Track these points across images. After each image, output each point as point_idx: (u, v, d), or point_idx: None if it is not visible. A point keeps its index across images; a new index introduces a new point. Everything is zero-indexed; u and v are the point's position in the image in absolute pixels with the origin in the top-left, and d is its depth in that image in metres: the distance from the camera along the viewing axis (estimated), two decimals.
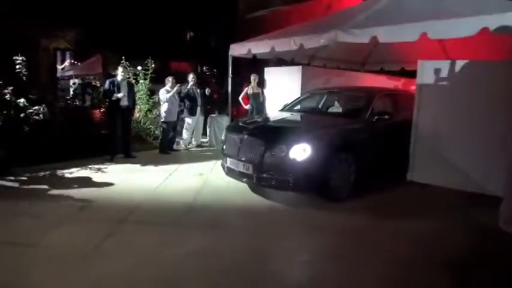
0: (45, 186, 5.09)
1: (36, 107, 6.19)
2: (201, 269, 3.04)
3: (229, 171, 5.10)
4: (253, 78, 8.36)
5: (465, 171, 4.94)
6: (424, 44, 5.67)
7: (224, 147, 5.30)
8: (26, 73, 6.50)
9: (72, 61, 17.43)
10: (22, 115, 6.06)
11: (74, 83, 11.23)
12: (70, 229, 3.75)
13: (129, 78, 7.54)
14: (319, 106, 6.38)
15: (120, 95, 6.71)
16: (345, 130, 5.13)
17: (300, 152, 4.39)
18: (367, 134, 5.18)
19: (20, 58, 6.46)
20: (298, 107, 6.33)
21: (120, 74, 6.87)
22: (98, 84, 9.01)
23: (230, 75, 7.78)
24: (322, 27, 5.84)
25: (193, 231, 3.80)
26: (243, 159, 4.78)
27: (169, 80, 7.66)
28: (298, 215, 4.42)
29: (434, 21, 4.57)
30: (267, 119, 5.83)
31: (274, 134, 4.79)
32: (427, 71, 5.30)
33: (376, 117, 5.24)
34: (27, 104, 6.12)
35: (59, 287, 2.75)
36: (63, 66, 17.61)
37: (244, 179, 4.86)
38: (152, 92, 9.08)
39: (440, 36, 4.79)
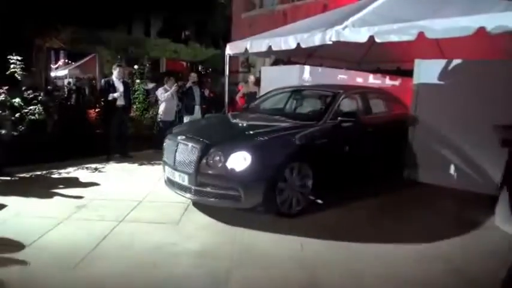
0: (41, 186, 5.04)
1: (31, 107, 6.14)
2: (194, 268, 3.02)
3: (168, 182, 4.45)
4: (251, 78, 8.36)
5: (462, 170, 4.98)
6: (420, 43, 5.68)
7: (164, 153, 4.65)
8: (21, 73, 6.44)
9: (66, 60, 17.33)
10: (17, 115, 6.01)
11: (68, 83, 11.17)
12: (67, 229, 3.72)
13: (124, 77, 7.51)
14: (279, 107, 5.82)
15: (116, 95, 6.67)
16: (298, 135, 4.30)
17: (240, 161, 3.75)
18: (330, 139, 4.57)
19: (15, 58, 6.40)
20: (260, 107, 5.86)
21: (116, 73, 6.85)
22: (95, 84, 8.98)
23: (227, 74, 7.76)
24: (319, 25, 5.83)
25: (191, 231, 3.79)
26: (178, 168, 4.16)
27: (169, 80, 7.66)
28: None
29: (431, 20, 4.58)
30: (211, 121, 5.26)
31: (211, 140, 4.08)
32: (423, 70, 5.33)
33: (340, 119, 4.66)
34: (22, 104, 6.07)
35: None
36: (57, 65, 17.51)
37: (181, 191, 4.15)
38: (148, 92, 9.06)
39: (438, 35, 4.79)
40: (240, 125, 4.99)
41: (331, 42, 5.42)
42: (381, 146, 5.30)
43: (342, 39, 5.24)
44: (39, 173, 5.72)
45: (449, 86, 5.13)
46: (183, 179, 4.04)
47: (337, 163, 4.68)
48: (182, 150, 4.15)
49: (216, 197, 3.86)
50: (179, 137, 4.32)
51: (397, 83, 9.25)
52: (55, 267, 2.98)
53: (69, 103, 8.69)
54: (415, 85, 5.43)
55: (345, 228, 3.99)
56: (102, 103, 7.37)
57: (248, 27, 13.14)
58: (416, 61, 5.40)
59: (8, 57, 6.40)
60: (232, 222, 3.96)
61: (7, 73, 6.36)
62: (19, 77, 6.43)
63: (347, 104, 5.16)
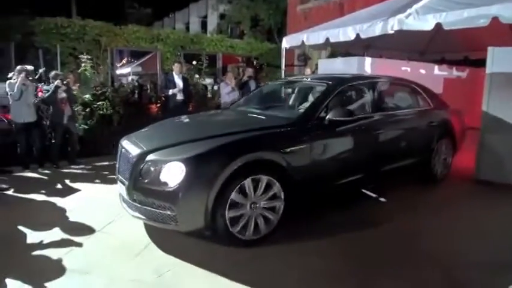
0: (111, 175, 5.31)
1: (100, 103, 6.57)
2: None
3: (120, 194, 3.61)
4: (307, 71, 8.29)
5: None
6: (492, 29, 5.21)
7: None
8: (90, 70, 6.92)
9: (130, 59, 18.30)
10: (88, 110, 6.47)
11: (132, 80, 11.79)
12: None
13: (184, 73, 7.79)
14: (263, 103, 4.80)
15: (175, 90, 6.93)
16: (263, 141, 3.34)
17: (174, 173, 2.94)
18: (314, 146, 3.52)
19: (85, 57, 6.88)
20: (249, 102, 4.99)
21: (175, 69, 7.11)
22: (156, 80, 9.40)
23: (283, 67, 7.74)
24: (380, 14, 5.59)
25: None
26: (119, 178, 3.48)
27: (231, 71, 7.82)
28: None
29: (506, 3, 4.18)
30: (179, 122, 4.38)
31: (151, 145, 3.33)
32: (498, 59, 4.88)
33: (330, 119, 3.63)
34: (92, 100, 6.52)
35: None
36: (121, 64, 18.55)
37: (125, 206, 3.38)
38: (206, 87, 9.31)
39: None
40: (199, 127, 4.08)
41: (393, 32, 5.19)
42: (397, 152, 4.42)
43: (405, 28, 4.99)
44: (106, 163, 6.08)
45: None
46: (123, 192, 3.33)
47: (326, 177, 3.71)
48: (123, 156, 3.51)
49: (151, 217, 3.09)
50: (124, 141, 3.69)
51: (464, 74, 8.65)
52: (122, 253, 3.12)
53: (132, 99, 9.21)
54: (487, 76, 4.99)
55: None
56: (163, 98, 7.69)
57: (304, 20, 12.97)
58: (490, 49, 4.95)
59: (80, 56, 6.89)
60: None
61: (79, 71, 6.86)
62: (89, 75, 6.90)
63: (348, 99, 4.37)
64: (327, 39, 6.26)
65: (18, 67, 5.43)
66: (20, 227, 3.57)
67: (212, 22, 24.38)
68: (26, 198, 4.45)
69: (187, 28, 27.20)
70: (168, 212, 2.95)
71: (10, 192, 4.62)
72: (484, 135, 5.06)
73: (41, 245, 3.21)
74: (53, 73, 5.82)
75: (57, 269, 2.82)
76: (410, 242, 3.38)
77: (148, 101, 8.73)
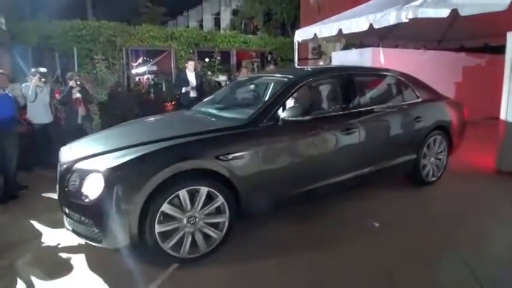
0: None
1: (115, 102, 6.67)
2: None
3: None
4: (321, 64, 8.19)
5: None
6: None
7: None
8: (105, 71, 7.02)
9: (145, 58, 18.53)
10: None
11: (147, 79, 11.94)
12: None
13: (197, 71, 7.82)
14: (223, 102, 4.30)
15: (188, 88, 6.96)
16: (197, 147, 2.88)
17: (94, 185, 2.62)
18: (259, 150, 3.01)
19: (99, 57, 6.98)
20: (210, 102, 4.43)
21: (188, 67, 7.14)
22: (170, 79, 9.49)
23: (296, 61, 7.67)
24: (393, 3, 5.46)
25: None
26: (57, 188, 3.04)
27: (246, 66, 7.82)
28: None
29: None
30: (130, 126, 3.99)
31: (81, 154, 3.00)
32: None
33: (284, 118, 3.18)
34: (107, 99, 6.62)
35: None
36: (137, 63, 18.81)
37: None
38: (219, 84, 9.33)
39: None
40: (145, 131, 3.66)
41: (407, 20, 5.07)
42: (371, 154, 3.81)
43: (420, 15, 4.87)
44: None
45: None
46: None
47: (279, 187, 3.20)
48: (60, 165, 3.12)
49: (81, 233, 2.79)
50: (62, 148, 3.43)
51: (484, 61, 8.40)
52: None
53: (149, 97, 9.33)
54: (507, 62, 4.81)
55: None
56: (177, 96, 7.75)
57: (317, 14, 12.81)
58: (509, 34, 4.77)
59: (94, 57, 6.99)
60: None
61: (94, 72, 6.97)
62: (103, 75, 7.00)
63: (312, 95, 3.89)
64: (340, 30, 6.17)
65: (32, 70, 5.57)
66: (38, 224, 3.67)
67: (225, 19, 24.41)
68: (45, 197, 4.54)
69: (201, 26, 27.31)
70: (92, 229, 2.65)
71: (29, 190, 4.73)
72: (507, 124, 4.88)
73: (57, 243, 3.28)
74: (68, 74, 5.94)
75: (71, 267, 2.87)
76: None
77: (164, 99, 8.82)
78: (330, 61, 8.37)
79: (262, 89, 4.29)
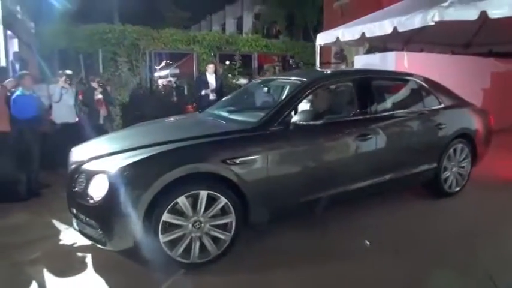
0: None
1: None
2: None
3: None
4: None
5: None
6: None
7: None
8: (128, 73, 7.14)
9: (168, 61, 18.83)
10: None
11: (169, 81, 12.12)
12: None
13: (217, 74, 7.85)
14: (237, 105, 4.21)
15: (208, 91, 7.01)
16: (201, 151, 2.81)
17: (99, 187, 2.61)
18: (268, 155, 2.92)
19: (122, 59, 7.10)
20: (223, 104, 4.35)
21: (209, 70, 7.19)
22: (193, 82, 9.60)
23: (318, 65, 7.59)
24: (419, 5, 5.32)
25: None
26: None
27: (268, 69, 7.81)
28: None
29: None
30: (144, 128, 3.96)
31: (89, 155, 2.97)
32: None
33: (295, 122, 3.08)
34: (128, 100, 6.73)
35: None
36: (160, 66, 19.13)
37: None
38: (240, 87, 9.33)
39: None
40: (156, 132, 3.61)
41: (433, 23, 4.92)
42: (387, 163, 3.66)
43: (446, 18, 4.71)
44: None
45: None
46: None
47: (288, 193, 3.09)
48: (69, 165, 3.16)
49: (87, 235, 2.78)
50: (73, 148, 3.42)
51: None
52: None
53: (170, 99, 9.44)
54: None
55: None
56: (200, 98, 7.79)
57: (340, 17, 12.66)
58: None
59: (117, 60, 7.12)
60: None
61: (117, 74, 7.10)
62: (126, 77, 7.12)
63: (327, 99, 3.81)
64: (363, 34, 6.06)
65: (59, 72, 5.73)
66: (57, 222, 3.73)
67: (247, 22, 24.49)
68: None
69: (224, 29, 27.50)
70: (96, 231, 2.63)
71: (51, 189, 4.83)
72: None
73: (72, 243, 3.30)
74: (90, 77, 6.10)
75: (82, 268, 2.88)
76: None
77: (185, 102, 8.89)
78: (353, 65, 8.23)
79: (276, 91, 4.20)
